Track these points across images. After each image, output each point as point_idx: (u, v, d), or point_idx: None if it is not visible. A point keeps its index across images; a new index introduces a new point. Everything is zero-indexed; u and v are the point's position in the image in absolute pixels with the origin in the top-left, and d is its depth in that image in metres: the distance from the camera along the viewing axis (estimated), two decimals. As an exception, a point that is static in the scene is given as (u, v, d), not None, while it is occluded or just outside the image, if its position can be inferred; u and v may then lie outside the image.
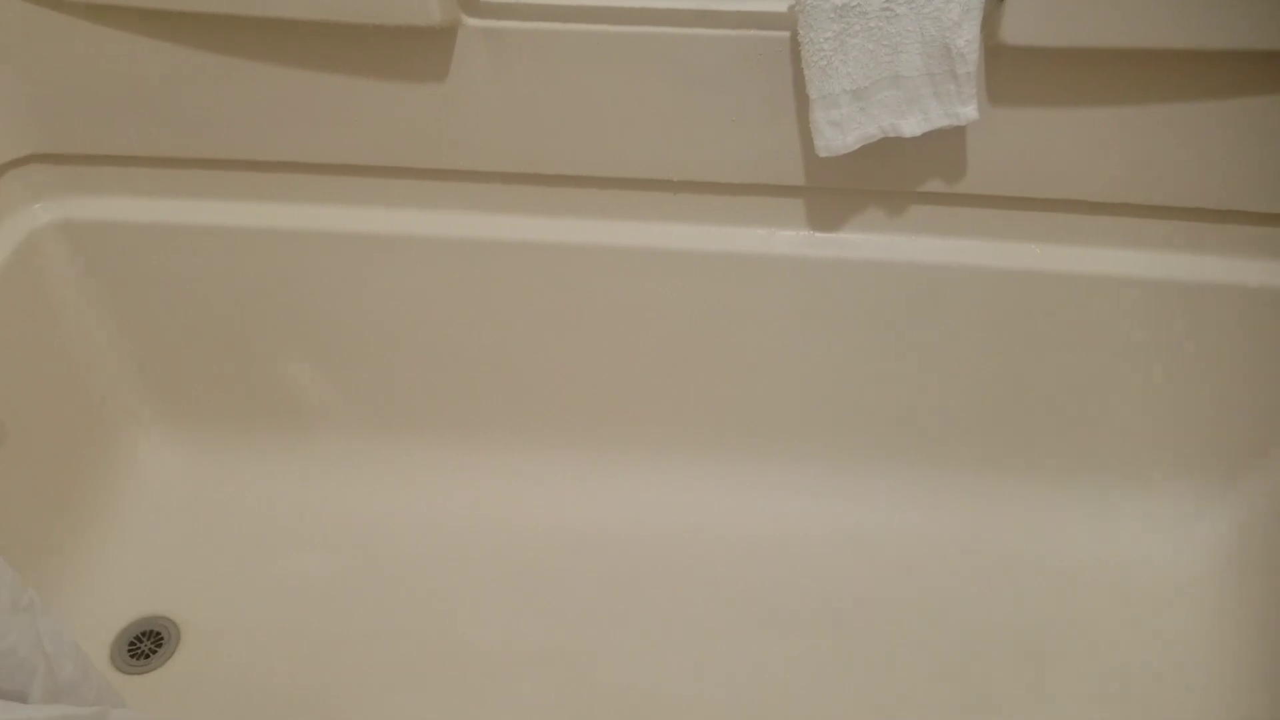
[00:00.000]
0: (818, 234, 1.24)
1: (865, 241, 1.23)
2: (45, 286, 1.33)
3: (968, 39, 1.03)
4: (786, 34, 1.09)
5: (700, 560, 1.37)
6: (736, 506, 1.41)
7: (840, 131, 1.09)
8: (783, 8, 1.10)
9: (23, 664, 0.85)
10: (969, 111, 1.07)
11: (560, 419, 1.43)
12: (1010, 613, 1.31)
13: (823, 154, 1.10)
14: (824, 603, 1.33)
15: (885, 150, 1.13)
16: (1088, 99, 1.10)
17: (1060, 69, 1.08)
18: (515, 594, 1.35)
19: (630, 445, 1.43)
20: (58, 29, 1.17)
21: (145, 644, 1.31)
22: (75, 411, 1.39)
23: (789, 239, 1.24)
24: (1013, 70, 1.08)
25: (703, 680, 1.27)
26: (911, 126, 1.09)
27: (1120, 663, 1.26)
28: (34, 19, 1.17)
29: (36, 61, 1.21)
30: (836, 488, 1.40)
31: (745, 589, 1.34)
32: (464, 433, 1.45)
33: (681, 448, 1.42)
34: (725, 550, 1.38)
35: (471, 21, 1.12)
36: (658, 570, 1.37)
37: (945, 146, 1.15)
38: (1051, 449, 1.35)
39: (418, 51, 1.15)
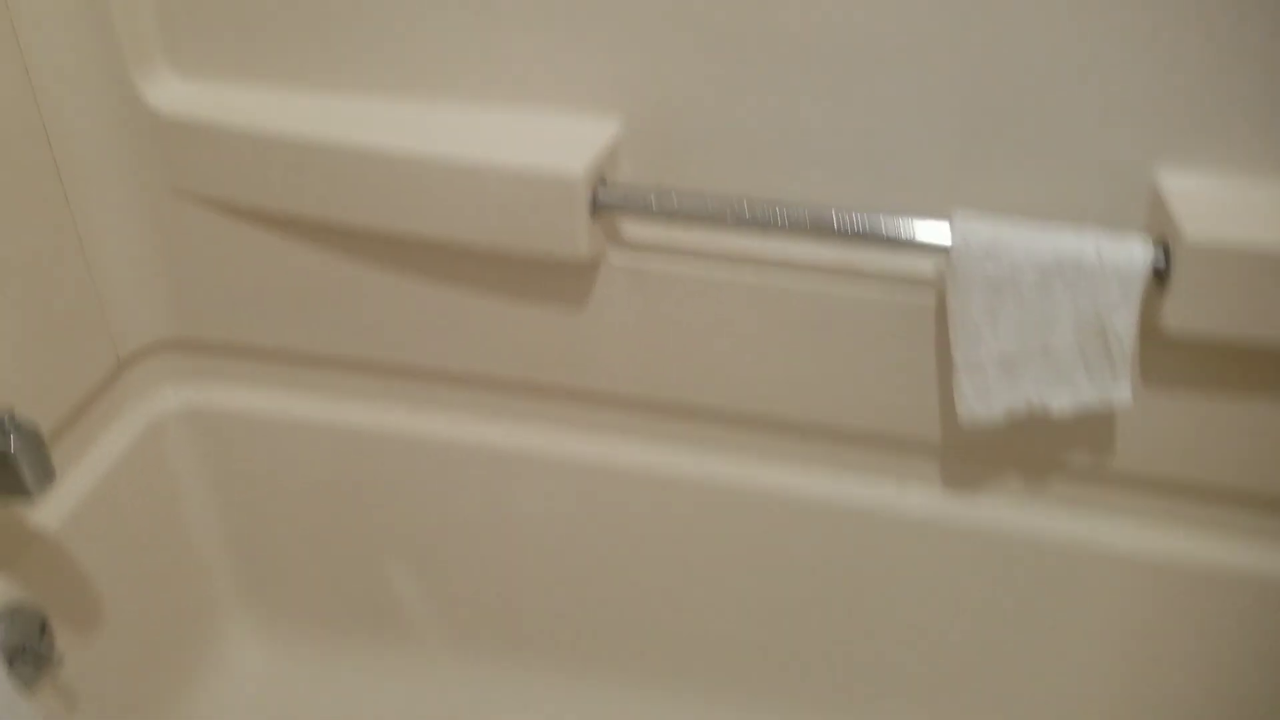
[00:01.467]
0: (949, 495, 1.19)
1: (999, 509, 1.18)
2: (164, 469, 1.33)
3: (1125, 321, 0.99)
4: (933, 295, 1.08)
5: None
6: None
7: (986, 401, 1.06)
8: (930, 269, 1.08)
9: None
10: (1122, 393, 1.03)
11: (669, 658, 1.37)
12: None
13: (966, 423, 1.07)
14: None
15: (1029, 418, 1.09)
16: (1246, 389, 1.05)
17: (1219, 356, 1.04)
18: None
19: (747, 696, 1.36)
20: (204, 225, 1.21)
21: None
22: (170, 599, 1.37)
23: (919, 495, 1.19)
24: (1170, 353, 1.05)
25: None
26: (1061, 402, 1.05)
27: None
28: (182, 214, 1.21)
29: (182, 253, 1.24)
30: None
31: None
32: (563, 662, 1.40)
33: (802, 702, 1.35)
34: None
35: (616, 257, 1.13)
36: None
37: (1092, 422, 1.11)
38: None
39: (560, 279, 1.15)
